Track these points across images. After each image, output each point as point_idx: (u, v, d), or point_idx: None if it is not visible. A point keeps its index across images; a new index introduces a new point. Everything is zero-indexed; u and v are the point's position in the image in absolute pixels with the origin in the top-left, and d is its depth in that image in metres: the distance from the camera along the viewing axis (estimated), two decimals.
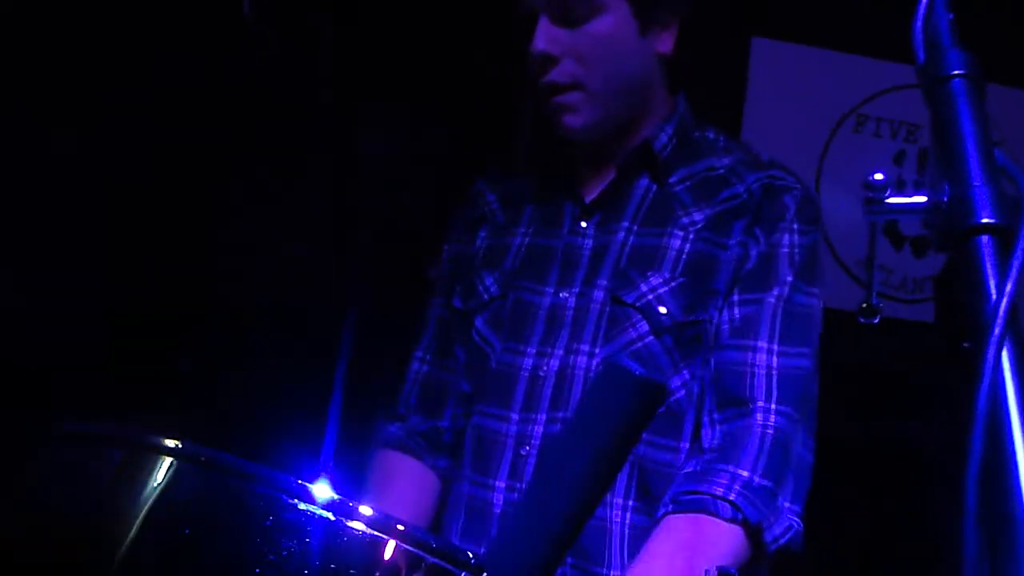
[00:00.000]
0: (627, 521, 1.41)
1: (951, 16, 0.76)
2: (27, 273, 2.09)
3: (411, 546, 0.84)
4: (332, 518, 0.82)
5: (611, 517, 1.40)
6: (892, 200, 0.73)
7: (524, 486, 1.44)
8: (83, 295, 2.12)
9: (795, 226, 1.44)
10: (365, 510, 0.84)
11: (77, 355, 2.08)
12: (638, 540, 1.38)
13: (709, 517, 1.28)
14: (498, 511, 1.45)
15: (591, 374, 1.44)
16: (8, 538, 0.88)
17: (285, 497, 0.82)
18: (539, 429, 1.45)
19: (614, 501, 1.41)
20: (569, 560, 1.40)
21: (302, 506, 0.81)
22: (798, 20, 2.63)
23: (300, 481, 0.82)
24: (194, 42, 2.19)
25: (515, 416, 1.47)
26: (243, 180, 2.26)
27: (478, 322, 1.55)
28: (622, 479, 1.42)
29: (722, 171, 1.52)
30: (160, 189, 2.21)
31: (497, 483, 1.46)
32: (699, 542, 1.27)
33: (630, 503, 1.41)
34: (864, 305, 0.77)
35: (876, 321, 0.77)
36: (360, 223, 2.20)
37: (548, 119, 1.52)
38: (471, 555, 0.86)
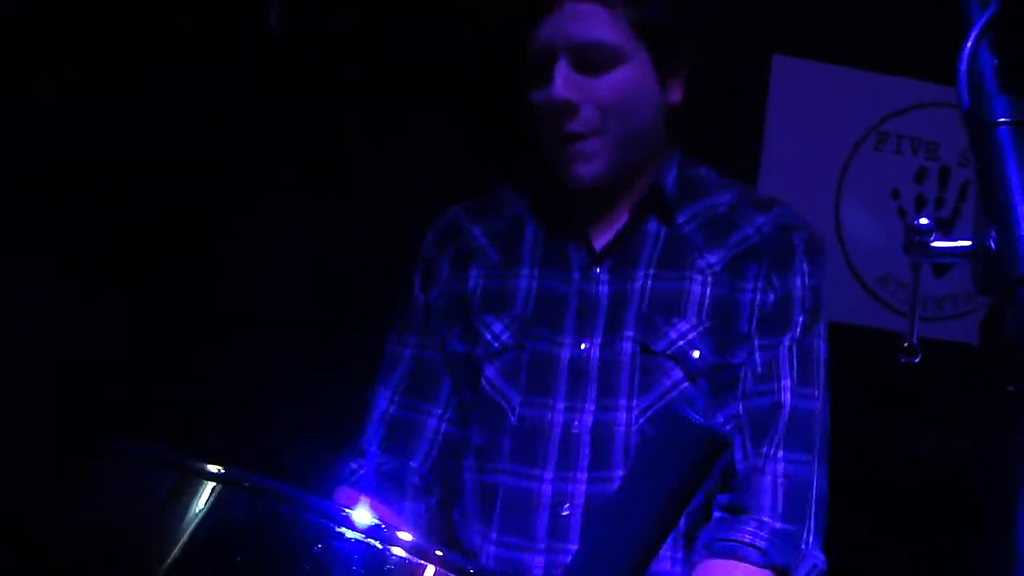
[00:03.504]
0: None
1: (995, 62, 0.77)
2: (39, 279, 2.08)
3: (450, 572, 0.86)
4: (378, 545, 0.83)
5: None
6: (937, 244, 0.74)
7: (568, 547, 1.42)
8: (100, 300, 2.11)
9: (805, 268, 1.49)
10: (404, 536, 0.86)
11: (102, 359, 2.08)
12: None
13: (741, 563, 1.35)
14: (539, 574, 1.42)
15: (632, 428, 1.43)
16: (59, 549, 0.90)
17: (333, 525, 0.83)
18: (581, 488, 1.42)
19: None
20: None
21: (349, 534, 0.83)
22: (819, 38, 2.63)
23: (345, 509, 0.83)
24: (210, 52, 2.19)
25: (548, 475, 1.43)
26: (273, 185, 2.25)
27: (489, 372, 1.49)
28: None
29: (724, 209, 1.54)
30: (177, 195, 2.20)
31: (537, 545, 1.43)
32: None
33: None
34: (906, 345, 0.78)
35: (917, 360, 0.78)
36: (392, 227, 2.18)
37: (554, 166, 1.49)
38: None
